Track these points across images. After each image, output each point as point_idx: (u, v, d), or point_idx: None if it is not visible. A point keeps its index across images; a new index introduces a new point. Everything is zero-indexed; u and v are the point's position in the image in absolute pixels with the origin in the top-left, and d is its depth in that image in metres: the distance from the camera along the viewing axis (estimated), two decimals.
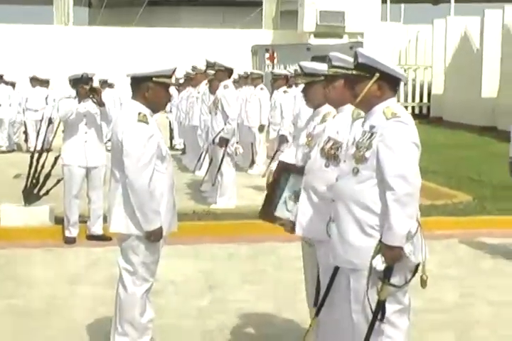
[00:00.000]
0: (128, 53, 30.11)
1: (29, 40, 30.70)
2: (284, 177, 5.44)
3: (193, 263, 8.56)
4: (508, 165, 9.11)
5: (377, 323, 4.49)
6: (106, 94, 12.26)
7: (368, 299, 4.48)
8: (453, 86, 25.98)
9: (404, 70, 25.64)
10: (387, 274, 4.44)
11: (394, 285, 4.48)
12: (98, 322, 6.37)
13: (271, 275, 8.06)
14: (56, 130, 10.61)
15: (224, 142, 11.11)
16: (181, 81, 17.91)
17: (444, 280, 7.70)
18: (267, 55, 28.59)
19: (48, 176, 9.57)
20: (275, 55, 28.28)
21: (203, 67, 13.67)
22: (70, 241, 9.39)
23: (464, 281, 7.93)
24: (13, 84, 20.69)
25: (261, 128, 15.85)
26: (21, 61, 29.04)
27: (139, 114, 5.27)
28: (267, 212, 5.47)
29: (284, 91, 14.70)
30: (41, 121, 18.58)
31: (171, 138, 19.77)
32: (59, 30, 32.91)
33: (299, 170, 5.32)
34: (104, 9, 38.21)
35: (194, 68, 15.56)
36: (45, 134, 13.11)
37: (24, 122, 20.13)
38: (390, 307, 4.51)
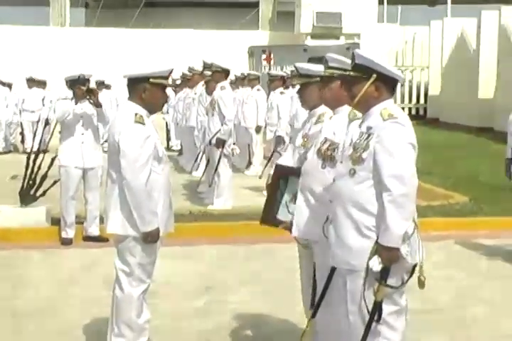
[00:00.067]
0: (125, 54, 30.06)
1: (26, 41, 30.64)
2: (282, 180, 5.43)
3: (189, 264, 8.56)
4: (504, 166, 9.13)
5: (373, 324, 4.49)
6: (103, 95, 12.23)
7: (365, 300, 4.48)
8: (450, 87, 25.95)
9: (401, 71, 25.62)
10: (383, 275, 4.44)
11: (390, 286, 4.48)
12: (94, 323, 6.36)
13: (267, 276, 8.05)
14: (53, 131, 10.62)
15: (221, 143, 11.12)
16: (178, 82, 17.92)
17: (440, 281, 7.69)
18: (264, 56, 28.61)
19: (44, 177, 9.57)
20: (272, 56, 28.30)
21: (200, 68, 13.65)
22: (66, 242, 9.39)
23: (460, 282, 7.94)
24: (9, 85, 20.65)
25: (258, 129, 15.85)
26: (18, 62, 28.99)
27: (136, 115, 5.28)
28: (269, 216, 5.44)
29: (281, 93, 14.68)
30: (38, 122, 18.62)
31: (168, 139, 19.76)
32: (55, 31, 32.87)
33: (297, 173, 5.31)
34: (100, 10, 38.18)
35: (191, 69, 15.56)
36: (42, 135, 13.03)
37: (21, 123, 20.08)
38: (386, 309, 4.50)
